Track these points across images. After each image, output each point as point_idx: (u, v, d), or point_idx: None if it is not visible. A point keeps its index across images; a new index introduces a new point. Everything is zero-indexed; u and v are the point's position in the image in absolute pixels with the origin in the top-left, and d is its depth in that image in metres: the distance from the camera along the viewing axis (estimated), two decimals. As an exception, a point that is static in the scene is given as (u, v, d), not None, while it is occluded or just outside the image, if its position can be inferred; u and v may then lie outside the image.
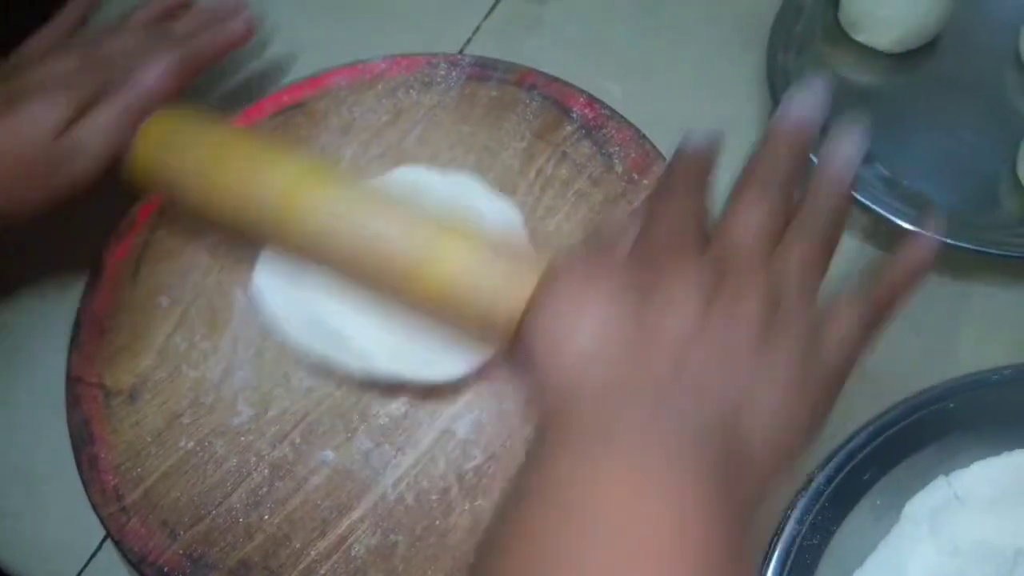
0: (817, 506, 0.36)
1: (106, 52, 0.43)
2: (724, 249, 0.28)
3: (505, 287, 0.33)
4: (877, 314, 0.30)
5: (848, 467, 0.37)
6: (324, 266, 0.39)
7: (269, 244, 0.42)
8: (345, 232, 0.36)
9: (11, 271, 0.48)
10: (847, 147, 0.31)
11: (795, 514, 0.36)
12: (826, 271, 0.29)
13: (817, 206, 0.30)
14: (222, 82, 0.52)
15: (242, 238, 0.42)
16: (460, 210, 0.38)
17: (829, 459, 0.37)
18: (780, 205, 0.29)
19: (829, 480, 0.36)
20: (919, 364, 0.42)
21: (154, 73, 0.42)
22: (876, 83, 0.50)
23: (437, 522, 0.38)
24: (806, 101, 0.31)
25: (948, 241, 0.43)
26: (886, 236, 0.45)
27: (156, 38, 0.45)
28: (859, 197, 0.44)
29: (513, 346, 0.32)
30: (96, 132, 0.41)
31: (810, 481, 0.36)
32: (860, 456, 0.37)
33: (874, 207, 0.44)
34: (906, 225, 0.43)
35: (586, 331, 0.28)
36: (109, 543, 0.41)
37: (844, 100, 0.48)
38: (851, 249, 0.45)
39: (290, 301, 0.41)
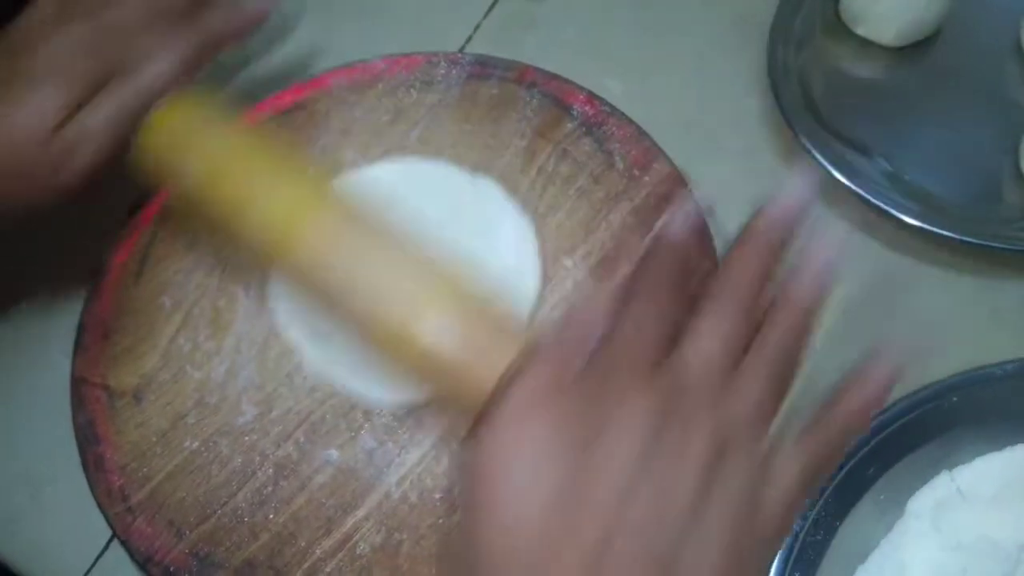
0: (820, 502, 0.36)
1: (115, 24, 0.40)
2: (679, 371, 0.27)
3: (476, 368, 0.31)
4: (820, 466, 0.28)
5: (851, 463, 0.37)
6: (315, 298, 0.38)
7: (264, 266, 0.41)
8: (333, 276, 0.35)
9: (15, 273, 0.48)
10: (821, 261, 0.28)
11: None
12: (779, 409, 0.28)
13: (783, 327, 0.28)
14: (222, 83, 0.52)
15: (241, 252, 0.41)
16: (458, 254, 0.36)
17: None
18: (746, 320, 0.27)
19: (832, 476, 0.36)
20: (922, 359, 0.42)
21: (163, 66, 0.40)
22: (877, 77, 0.50)
23: (441, 520, 0.38)
24: (787, 202, 0.29)
25: (950, 235, 0.43)
26: (888, 231, 0.45)
27: (170, 14, 0.41)
28: (860, 191, 0.44)
29: (464, 450, 0.29)
30: (97, 127, 0.39)
31: None
32: (863, 452, 0.37)
33: (875, 201, 0.44)
34: (908, 220, 0.43)
35: (522, 476, 0.26)
36: (116, 543, 0.42)
37: (846, 94, 0.49)
38: (853, 242, 0.45)
39: (303, 314, 0.41)
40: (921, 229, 0.43)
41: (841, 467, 0.36)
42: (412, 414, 0.40)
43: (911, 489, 0.37)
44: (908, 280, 0.44)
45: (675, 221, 0.29)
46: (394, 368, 0.36)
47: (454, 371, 0.33)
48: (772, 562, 0.28)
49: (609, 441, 0.26)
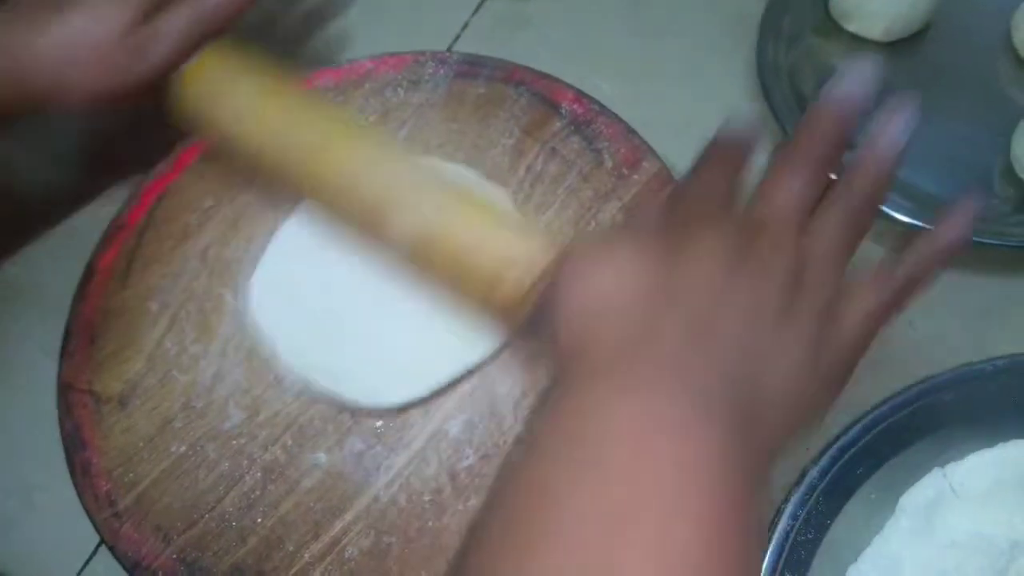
0: (811, 500, 0.36)
1: None
2: (757, 214, 0.29)
3: (518, 250, 0.34)
4: (899, 293, 0.30)
5: (842, 460, 0.36)
6: (345, 223, 0.40)
7: (300, 193, 0.43)
8: (366, 190, 0.38)
9: (2, 278, 0.48)
10: (894, 127, 0.31)
11: (789, 508, 0.36)
12: (855, 249, 0.30)
13: (856, 183, 0.30)
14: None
15: (276, 185, 0.43)
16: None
17: (823, 453, 0.37)
18: (818, 177, 0.29)
19: (823, 474, 0.36)
20: (913, 355, 0.42)
21: None
22: (867, 73, 0.49)
23: (430, 523, 0.38)
24: (857, 78, 0.31)
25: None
26: (878, 227, 0.44)
27: None
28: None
29: (525, 311, 0.32)
30: (172, 29, 0.41)
31: (803, 475, 0.36)
32: (854, 449, 0.36)
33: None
34: (899, 216, 0.43)
35: (610, 279, 0.28)
36: (103, 549, 0.41)
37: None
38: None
39: (283, 318, 0.42)
40: (912, 225, 0.43)
41: (832, 465, 0.36)
42: (399, 416, 0.40)
43: (903, 486, 0.37)
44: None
45: (731, 121, 0.31)
46: (427, 269, 0.38)
47: (496, 254, 0.35)
48: (846, 378, 0.29)
49: (694, 260, 0.27)
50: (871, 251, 0.44)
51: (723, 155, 0.30)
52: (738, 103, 0.50)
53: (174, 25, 0.41)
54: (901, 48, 0.49)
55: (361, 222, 0.39)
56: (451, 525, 0.38)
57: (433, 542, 0.38)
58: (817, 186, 0.29)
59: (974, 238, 0.42)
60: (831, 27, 0.50)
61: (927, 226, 0.43)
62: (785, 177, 0.29)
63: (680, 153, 0.45)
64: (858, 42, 0.49)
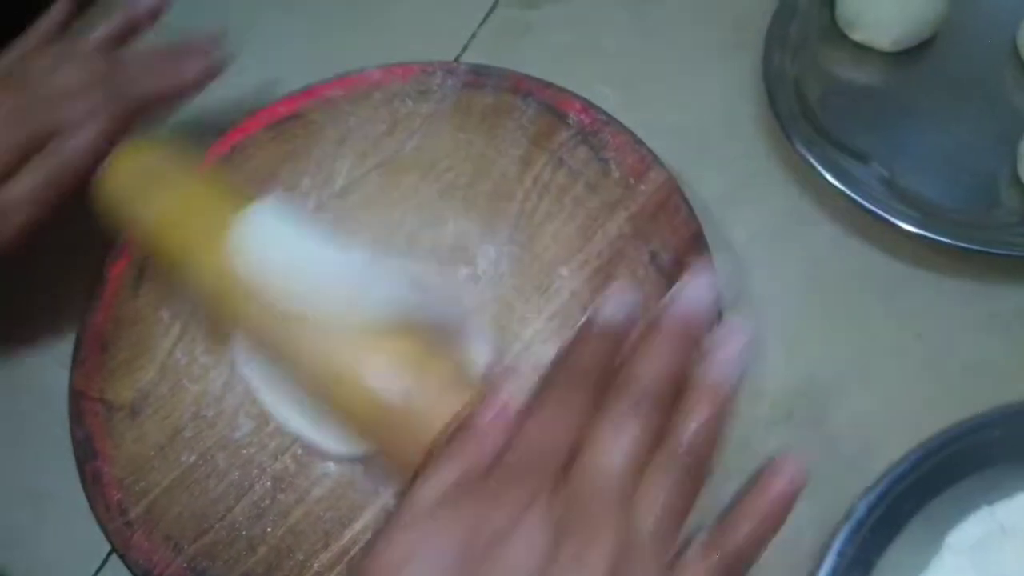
0: (858, 538, 0.35)
1: (48, 93, 0.41)
2: (583, 479, 0.26)
3: (418, 422, 0.31)
4: (731, 572, 0.27)
5: (889, 497, 0.36)
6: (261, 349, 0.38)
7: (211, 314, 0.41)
8: (276, 326, 0.35)
9: (13, 286, 0.48)
10: (730, 356, 0.27)
11: (836, 546, 0.35)
12: (692, 507, 0.27)
13: (690, 430, 0.27)
14: (216, 96, 0.52)
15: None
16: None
17: (870, 489, 0.36)
18: (652, 423, 0.27)
19: (870, 510, 0.35)
20: (922, 369, 0.42)
21: (89, 135, 0.40)
22: (873, 82, 0.49)
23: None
24: (697, 293, 0.28)
25: (947, 240, 0.43)
26: (885, 237, 0.45)
27: (101, 79, 0.42)
28: (856, 197, 0.44)
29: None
30: (21, 198, 0.40)
31: (850, 512, 0.36)
32: (901, 486, 0.36)
33: (872, 207, 0.44)
34: (905, 226, 0.43)
35: None
36: (114, 558, 0.42)
37: (842, 100, 0.49)
38: (850, 249, 0.45)
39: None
40: (918, 235, 0.43)
41: (879, 501, 0.35)
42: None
43: (950, 524, 0.36)
44: (905, 286, 0.44)
45: (608, 305, 0.28)
46: (338, 420, 0.36)
47: (396, 423, 0.32)
48: None
49: (506, 555, 0.25)
50: (877, 260, 0.45)
51: (579, 365, 0.28)
52: (743, 111, 0.50)
53: (24, 192, 0.40)
54: (907, 58, 0.49)
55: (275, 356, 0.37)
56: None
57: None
58: (648, 435, 0.26)
59: (981, 248, 0.43)
60: (837, 36, 0.50)
61: (935, 236, 0.43)
62: (616, 429, 0.26)
63: (684, 162, 0.46)
64: (864, 52, 0.49)
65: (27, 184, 0.40)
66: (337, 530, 0.38)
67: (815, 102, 0.48)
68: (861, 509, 0.36)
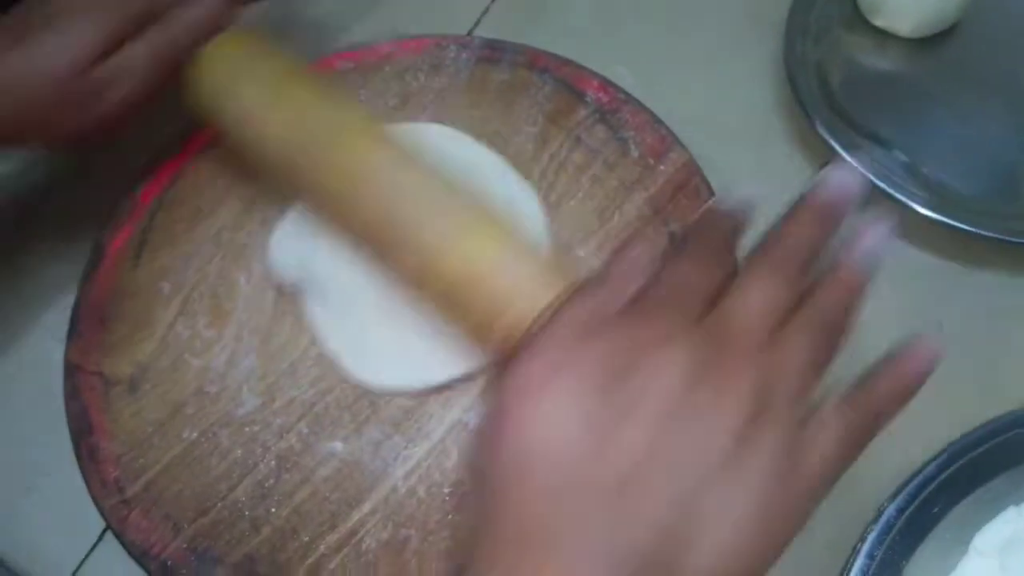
0: (887, 540, 0.35)
1: None
2: (724, 321, 0.26)
3: (517, 296, 0.32)
4: (867, 429, 0.27)
5: (918, 499, 0.35)
6: (347, 230, 0.38)
7: (305, 196, 0.41)
8: (377, 195, 0.36)
9: (7, 257, 0.47)
10: (871, 241, 0.28)
11: (865, 548, 0.35)
12: (827, 369, 0.27)
13: (831, 298, 0.27)
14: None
15: (282, 184, 0.41)
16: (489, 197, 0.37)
17: (899, 490, 0.36)
18: (793, 285, 0.27)
19: (900, 512, 0.35)
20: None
21: (201, 9, 0.40)
22: (895, 69, 0.49)
23: (449, 516, 0.37)
24: (844, 181, 0.29)
25: (967, 228, 0.42)
26: (905, 223, 0.44)
27: None
28: (878, 182, 0.43)
29: (500, 370, 0.29)
30: (136, 63, 0.39)
31: (880, 514, 0.35)
32: (929, 489, 0.35)
33: (894, 193, 0.43)
34: (926, 212, 0.43)
35: (549, 413, 0.25)
36: (109, 536, 0.40)
37: (864, 86, 0.48)
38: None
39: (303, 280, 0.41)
40: (939, 222, 0.43)
41: (908, 503, 0.35)
42: (420, 405, 0.39)
43: (977, 526, 0.35)
44: (925, 275, 0.44)
45: (725, 198, 0.29)
46: (423, 301, 0.36)
47: (497, 296, 0.33)
48: (801, 526, 0.26)
49: (645, 381, 0.25)
50: (897, 247, 0.44)
51: (712, 235, 0.28)
52: (763, 95, 0.49)
53: (138, 59, 0.39)
54: (929, 45, 0.48)
55: (361, 236, 0.38)
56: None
57: (453, 535, 0.37)
58: (792, 293, 0.27)
59: (1000, 236, 0.42)
60: (859, 22, 0.49)
61: (956, 224, 0.43)
62: (759, 283, 0.27)
63: (703, 144, 0.45)
64: (886, 38, 0.49)
65: (141, 49, 0.39)
66: (344, 511, 0.37)
67: (836, 87, 0.47)
68: (890, 512, 0.35)
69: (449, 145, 0.44)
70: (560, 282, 0.32)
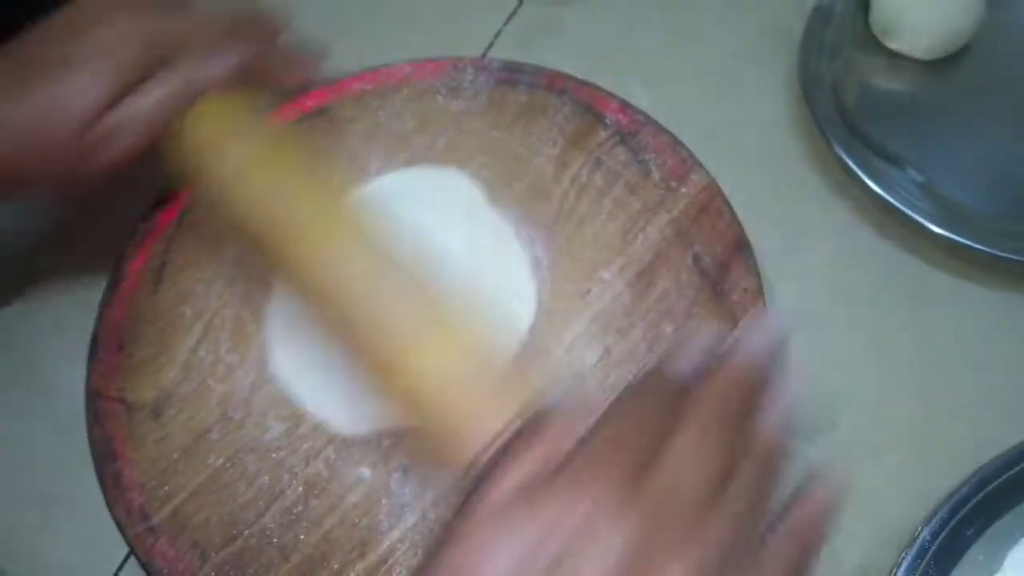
0: (922, 564, 0.35)
1: (173, 25, 0.39)
2: (660, 496, 0.25)
3: (466, 419, 0.31)
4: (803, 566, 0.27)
5: (952, 522, 0.36)
6: (321, 319, 0.37)
7: (279, 276, 0.40)
8: (339, 293, 0.35)
9: (26, 281, 0.46)
10: (787, 382, 0.28)
11: (901, 573, 0.35)
12: (761, 529, 0.27)
13: (766, 446, 0.27)
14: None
15: (259, 261, 0.40)
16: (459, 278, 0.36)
17: (933, 515, 0.36)
18: (728, 448, 0.27)
19: (934, 536, 0.35)
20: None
21: (213, 68, 0.39)
22: (909, 90, 0.49)
23: (479, 541, 0.37)
24: (773, 329, 0.29)
25: (982, 248, 0.43)
26: (920, 243, 0.45)
27: (230, 34, 0.41)
28: (893, 202, 0.44)
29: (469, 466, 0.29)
30: (138, 118, 0.38)
31: (915, 538, 0.35)
32: (963, 511, 0.36)
33: (910, 213, 0.44)
34: (941, 231, 0.43)
35: None
36: (130, 563, 0.40)
37: (878, 106, 0.48)
38: (887, 255, 0.45)
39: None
40: (955, 242, 0.43)
41: (943, 526, 0.35)
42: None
43: (1009, 545, 0.36)
44: (943, 295, 0.44)
45: (686, 349, 0.29)
46: (379, 396, 0.35)
47: (439, 408, 0.32)
48: None
49: (579, 566, 0.24)
50: (914, 266, 0.45)
51: (663, 393, 0.28)
52: (778, 113, 0.49)
53: (143, 110, 0.38)
54: (942, 66, 0.49)
55: (328, 323, 0.37)
56: (501, 543, 0.37)
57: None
58: (725, 460, 0.26)
59: (1017, 257, 0.43)
60: (872, 43, 0.50)
61: (972, 244, 0.43)
62: (694, 451, 0.26)
63: (719, 163, 0.45)
64: (899, 58, 0.49)
65: (149, 100, 0.38)
66: (374, 538, 0.37)
67: (851, 106, 0.48)
68: (925, 536, 0.35)
69: (450, 198, 0.44)
70: (512, 401, 0.30)
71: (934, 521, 0.36)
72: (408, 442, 0.38)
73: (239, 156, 0.38)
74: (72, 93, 0.37)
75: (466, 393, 0.32)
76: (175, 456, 0.39)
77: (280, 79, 0.43)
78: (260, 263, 0.41)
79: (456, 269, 0.38)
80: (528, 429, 0.28)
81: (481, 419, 0.30)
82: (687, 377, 0.28)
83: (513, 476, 0.26)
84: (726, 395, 0.28)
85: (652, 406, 0.27)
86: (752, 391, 0.28)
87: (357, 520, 0.38)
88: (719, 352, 0.29)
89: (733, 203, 0.43)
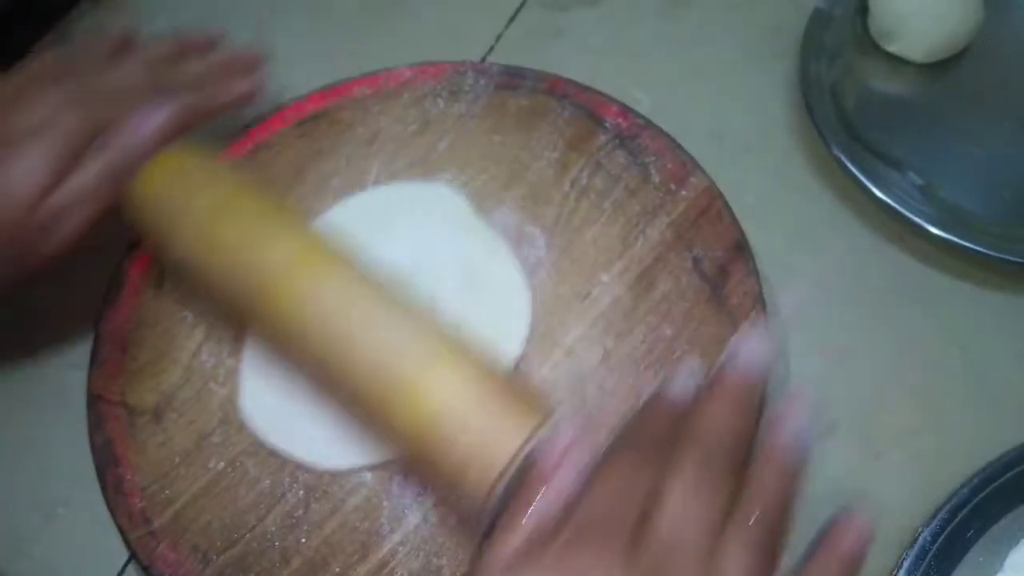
0: (923, 565, 0.35)
1: (104, 86, 0.39)
2: (660, 548, 0.25)
3: (481, 451, 0.31)
4: None
5: (952, 523, 0.36)
6: (301, 367, 0.37)
7: (254, 329, 0.40)
8: (330, 334, 0.34)
9: (28, 284, 0.46)
10: (795, 420, 0.27)
11: (901, 573, 0.35)
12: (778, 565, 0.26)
13: (765, 491, 0.26)
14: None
15: (230, 315, 0.40)
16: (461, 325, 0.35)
17: (934, 515, 0.36)
18: (723, 486, 0.26)
19: (935, 537, 0.35)
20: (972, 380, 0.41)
21: (151, 125, 0.38)
22: (908, 93, 0.49)
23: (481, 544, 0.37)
24: (753, 355, 0.28)
25: (983, 250, 0.43)
26: (921, 245, 0.45)
27: (161, 80, 0.41)
28: (894, 204, 0.44)
29: (487, 505, 0.29)
30: (85, 192, 0.37)
31: (915, 539, 0.35)
32: (964, 511, 0.36)
33: (911, 216, 0.44)
34: (942, 234, 0.43)
35: None
36: (132, 567, 0.40)
37: (878, 109, 0.48)
38: (888, 258, 0.45)
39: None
40: (955, 244, 0.43)
41: (943, 527, 0.35)
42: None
43: (1009, 546, 0.36)
44: (944, 298, 0.44)
45: (674, 382, 0.28)
46: (386, 437, 0.35)
47: (459, 449, 0.31)
48: None
49: None
50: (915, 269, 0.45)
51: (659, 423, 0.27)
52: (778, 116, 0.49)
53: (87, 186, 0.37)
54: (941, 69, 0.49)
55: (311, 375, 0.37)
56: (502, 546, 0.37)
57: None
58: (721, 500, 0.26)
59: (1016, 259, 0.43)
60: (871, 46, 0.50)
61: (971, 246, 0.43)
62: (687, 493, 0.25)
63: (718, 166, 0.45)
64: (898, 62, 0.49)
65: (90, 174, 0.37)
66: (375, 541, 0.37)
67: (851, 110, 0.48)
68: (925, 537, 0.35)
69: (441, 215, 0.44)
70: (518, 425, 0.30)
71: (935, 522, 0.36)
72: (418, 472, 0.38)
73: (193, 216, 0.37)
74: (15, 175, 0.35)
75: (472, 424, 0.31)
76: (176, 460, 0.39)
77: (225, 109, 0.42)
78: (233, 319, 0.41)
79: (446, 290, 0.39)
80: (533, 476, 0.28)
81: (490, 448, 0.30)
82: (684, 404, 0.28)
83: (520, 534, 0.27)
84: (720, 425, 0.27)
85: (649, 447, 0.27)
86: (748, 414, 0.27)
87: (358, 523, 0.38)
88: (711, 373, 0.28)
89: (733, 206, 0.43)
